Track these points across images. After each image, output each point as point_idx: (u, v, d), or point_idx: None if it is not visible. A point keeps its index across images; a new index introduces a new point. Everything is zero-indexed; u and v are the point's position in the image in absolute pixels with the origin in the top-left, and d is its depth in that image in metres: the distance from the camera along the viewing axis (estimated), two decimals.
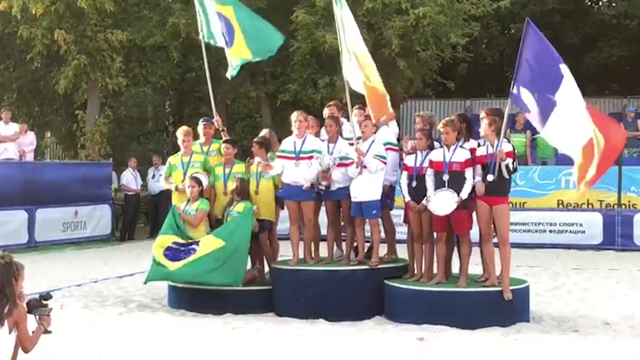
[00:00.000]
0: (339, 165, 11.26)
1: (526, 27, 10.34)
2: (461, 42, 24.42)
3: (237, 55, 13.29)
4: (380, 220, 11.43)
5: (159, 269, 11.52)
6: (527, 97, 10.31)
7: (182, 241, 11.59)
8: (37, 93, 27.60)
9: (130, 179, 23.38)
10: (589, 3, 34.45)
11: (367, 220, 11.22)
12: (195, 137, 12.88)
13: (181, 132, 12.64)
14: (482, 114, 11.07)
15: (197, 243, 11.47)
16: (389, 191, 11.63)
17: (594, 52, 30.59)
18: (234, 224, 11.56)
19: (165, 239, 11.65)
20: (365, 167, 10.96)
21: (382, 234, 11.60)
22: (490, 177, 10.37)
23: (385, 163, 11.14)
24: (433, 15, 23.02)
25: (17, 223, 19.68)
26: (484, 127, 10.65)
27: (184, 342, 9.75)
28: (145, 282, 12.00)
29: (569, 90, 10.04)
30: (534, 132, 22.10)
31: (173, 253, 11.43)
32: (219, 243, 11.37)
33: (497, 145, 10.37)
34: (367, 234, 11.34)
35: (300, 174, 11.44)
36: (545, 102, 10.16)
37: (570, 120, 10.01)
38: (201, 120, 13.05)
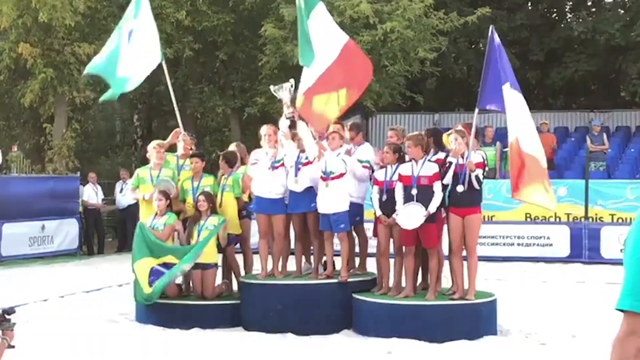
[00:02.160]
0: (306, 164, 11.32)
1: (491, 33, 10.63)
2: (429, 57, 24.53)
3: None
4: (354, 234, 11.49)
5: (143, 296, 11.45)
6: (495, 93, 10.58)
7: (162, 262, 11.49)
8: (2, 107, 27.41)
9: (90, 193, 23.19)
10: (556, 18, 34.76)
11: (335, 234, 11.23)
12: (171, 149, 12.80)
13: (153, 144, 12.55)
14: (459, 127, 11.13)
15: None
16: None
17: (560, 67, 30.87)
18: (204, 242, 11.53)
19: (145, 264, 11.51)
20: (332, 178, 10.95)
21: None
22: (460, 188, 10.43)
23: (368, 167, 11.20)
24: (401, 30, 23.15)
25: None
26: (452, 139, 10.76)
27: (151, 357, 9.69)
28: (136, 300, 11.81)
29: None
30: (504, 145, 22.33)
31: (157, 278, 11.35)
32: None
33: (467, 156, 10.44)
34: (337, 247, 11.35)
35: (274, 184, 11.45)
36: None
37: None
38: (185, 133, 12.84)
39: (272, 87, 11.90)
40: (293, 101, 11.46)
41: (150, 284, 11.32)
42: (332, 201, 11.02)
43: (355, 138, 11.87)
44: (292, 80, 11.55)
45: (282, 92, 11.61)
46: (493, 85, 10.65)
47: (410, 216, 10.51)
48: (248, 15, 25.19)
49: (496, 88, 10.60)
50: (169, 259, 11.50)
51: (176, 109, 13.11)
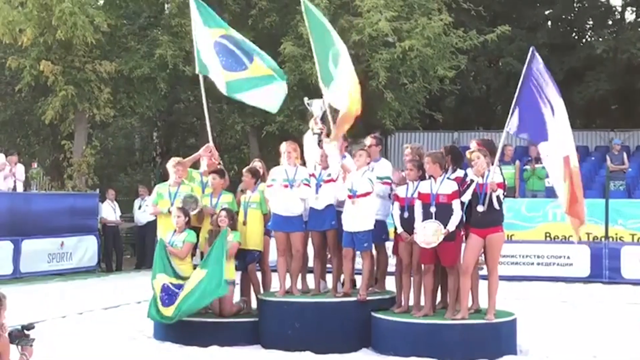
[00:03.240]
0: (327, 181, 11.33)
1: (531, 55, 10.58)
2: (448, 75, 24.50)
3: (258, 72, 13.03)
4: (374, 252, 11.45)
5: (158, 314, 11.41)
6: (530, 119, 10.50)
7: (175, 282, 11.47)
8: (23, 123, 27.57)
9: (109, 210, 23.23)
10: (576, 37, 34.69)
11: (358, 252, 11.18)
12: (195, 166, 12.83)
13: (172, 162, 12.55)
14: (473, 144, 11.09)
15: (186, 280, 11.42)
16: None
17: (581, 87, 30.77)
18: (212, 251, 11.49)
19: (160, 279, 11.48)
20: (358, 196, 10.92)
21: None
22: (480, 208, 10.36)
23: (389, 183, 11.16)
24: (420, 48, 23.14)
25: (2, 254, 19.51)
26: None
27: None
28: (148, 317, 11.80)
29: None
30: (523, 163, 22.27)
31: (168, 297, 11.30)
32: (202, 273, 11.33)
33: (487, 176, 10.37)
34: (358, 266, 11.31)
35: (291, 203, 11.43)
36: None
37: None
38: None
39: (306, 99, 11.90)
40: (322, 118, 11.46)
41: (162, 300, 11.31)
42: (358, 219, 10.96)
43: (374, 148, 11.79)
44: (325, 98, 11.56)
45: (315, 106, 11.62)
46: (526, 112, 10.55)
47: (428, 234, 10.45)
48: (267, 33, 25.22)
49: (530, 116, 10.51)
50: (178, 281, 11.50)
51: (207, 121, 13.16)
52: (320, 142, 11.58)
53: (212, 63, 13.00)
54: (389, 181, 11.47)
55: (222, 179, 12.38)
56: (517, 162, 21.71)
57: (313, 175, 11.52)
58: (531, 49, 10.77)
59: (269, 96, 13.05)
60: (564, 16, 34.61)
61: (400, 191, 11.07)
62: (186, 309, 11.16)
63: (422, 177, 10.94)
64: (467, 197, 10.51)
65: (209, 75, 13.23)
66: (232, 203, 12.13)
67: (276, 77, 13.01)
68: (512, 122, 10.58)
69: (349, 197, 10.98)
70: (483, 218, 10.41)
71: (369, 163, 11.28)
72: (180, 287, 11.35)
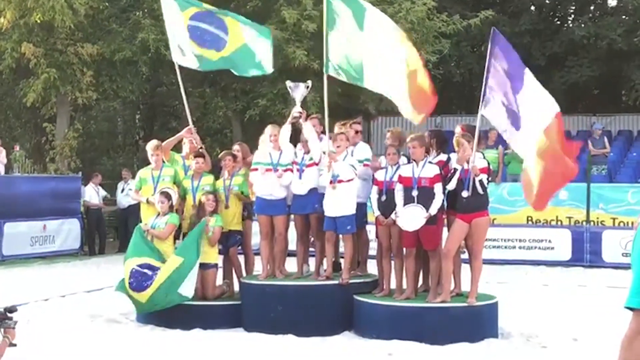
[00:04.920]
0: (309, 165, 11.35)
1: (493, 36, 10.47)
2: (432, 59, 24.49)
3: (236, 43, 12.88)
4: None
5: (135, 302, 11.49)
6: (497, 107, 10.44)
7: (149, 262, 11.47)
8: (3, 106, 27.42)
9: (92, 193, 23.17)
10: (559, 22, 34.74)
11: (340, 235, 11.22)
12: (177, 149, 12.84)
13: (151, 146, 12.58)
14: (458, 129, 11.12)
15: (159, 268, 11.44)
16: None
17: (563, 72, 30.86)
18: (189, 238, 11.53)
19: (128, 265, 11.52)
20: (340, 181, 10.95)
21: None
22: (464, 193, 10.40)
23: (356, 174, 11.15)
24: (404, 32, 23.07)
25: None
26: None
27: (152, 357, 9.69)
28: (115, 290, 11.84)
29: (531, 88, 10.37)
30: (506, 148, 22.32)
31: (137, 282, 11.31)
32: (178, 260, 11.35)
33: (472, 161, 10.40)
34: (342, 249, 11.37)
35: (275, 185, 11.45)
36: (512, 104, 10.33)
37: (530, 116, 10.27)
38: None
39: (288, 83, 11.88)
40: (303, 102, 11.43)
41: (131, 285, 11.34)
42: (339, 204, 10.98)
43: (356, 135, 11.80)
44: (309, 82, 11.53)
45: (297, 90, 11.62)
46: (492, 94, 10.54)
47: (410, 218, 10.49)
48: (250, 17, 25.11)
49: (496, 99, 10.51)
50: (151, 261, 11.49)
51: (186, 106, 13.17)
52: (295, 125, 11.57)
53: (188, 47, 12.95)
54: (368, 163, 11.48)
55: (205, 163, 12.40)
56: (500, 147, 21.75)
57: (295, 162, 11.52)
58: (492, 29, 10.72)
59: (257, 60, 12.95)
60: (547, 1, 34.64)
61: (379, 175, 11.10)
62: (159, 302, 11.26)
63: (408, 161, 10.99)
64: (452, 185, 10.53)
65: (183, 61, 13.14)
66: (213, 184, 12.16)
67: (258, 36, 12.92)
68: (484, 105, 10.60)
69: (330, 182, 11.01)
70: (468, 203, 10.44)
71: (347, 147, 11.29)
72: (153, 270, 11.36)
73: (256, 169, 11.60)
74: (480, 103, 10.56)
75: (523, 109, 10.33)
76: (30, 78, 23.68)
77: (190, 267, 11.29)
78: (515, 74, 10.42)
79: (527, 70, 10.49)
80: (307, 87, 11.63)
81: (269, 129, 11.81)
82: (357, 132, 11.81)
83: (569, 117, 30.06)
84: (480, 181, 10.39)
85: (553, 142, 10.27)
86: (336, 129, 11.61)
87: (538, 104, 10.45)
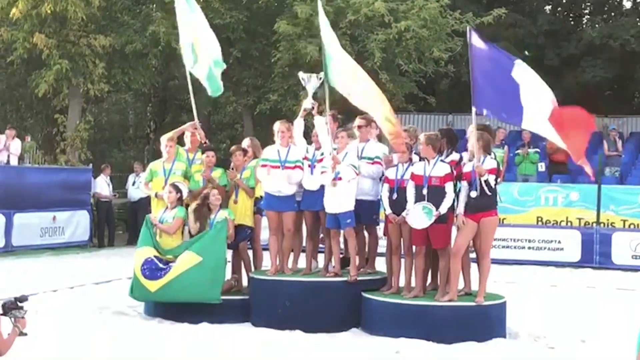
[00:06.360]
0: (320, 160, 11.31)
1: (470, 38, 10.49)
2: (444, 57, 24.45)
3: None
4: (366, 234, 11.47)
5: (141, 290, 11.44)
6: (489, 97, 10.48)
7: (160, 256, 11.49)
8: (15, 97, 27.48)
9: (103, 185, 23.20)
10: (573, 24, 34.65)
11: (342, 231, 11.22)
12: (180, 144, 12.83)
13: (166, 136, 12.57)
14: (470, 128, 11.05)
15: (174, 261, 11.40)
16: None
17: (577, 72, 30.76)
18: (210, 238, 11.47)
19: (143, 252, 11.54)
20: (340, 178, 10.93)
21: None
22: (473, 193, 10.37)
23: (357, 174, 11.11)
24: (416, 29, 23.10)
25: None
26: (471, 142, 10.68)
27: (158, 350, 9.70)
28: (130, 295, 11.83)
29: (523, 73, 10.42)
30: (516, 147, 22.31)
31: (151, 271, 11.30)
32: (196, 259, 11.29)
33: (483, 160, 10.37)
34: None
35: (283, 183, 11.42)
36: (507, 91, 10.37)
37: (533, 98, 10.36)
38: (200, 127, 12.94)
39: (301, 74, 11.83)
40: (316, 94, 11.40)
41: (143, 272, 11.32)
42: (339, 201, 10.97)
43: (363, 129, 11.72)
44: (322, 74, 11.49)
45: (310, 82, 11.57)
46: (483, 89, 10.54)
47: (420, 216, 10.47)
48: (262, 12, 25.13)
49: (487, 92, 10.52)
50: (169, 258, 11.51)
51: (193, 100, 13.14)
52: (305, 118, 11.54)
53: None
54: (379, 160, 11.43)
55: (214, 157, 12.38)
56: (506, 147, 21.71)
57: (306, 157, 11.49)
58: (468, 28, 10.72)
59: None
60: (564, 1, 34.56)
61: (390, 173, 11.07)
62: (171, 294, 11.21)
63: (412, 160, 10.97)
64: (474, 193, 10.48)
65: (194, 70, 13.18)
66: (222, 177, 12.14)
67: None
68: (475, 102, 10.58)
69: (336, 176, 10.98)
70: (476, 203, 10.42)
71: (347, 144, 11.26)
72: (167, 264, 11.36)
73: (265, 165, 11.57)
74: (472, 100, 10.55)
75: (522, 89, 10.39)
76: (43, 69, 23.72)
77: (213, 268, 11.25)
78: (502, 57, 10.52)
79: (518, 61, 10.54)
80: (320, 78, 11.56)
81: (277, 125, 11.78)
82: (359, 126, 11.66)
83: None
84: (486, 181, 10.34)
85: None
86: (357, 122, 11.58)
87: (537, 89, 10.50)
